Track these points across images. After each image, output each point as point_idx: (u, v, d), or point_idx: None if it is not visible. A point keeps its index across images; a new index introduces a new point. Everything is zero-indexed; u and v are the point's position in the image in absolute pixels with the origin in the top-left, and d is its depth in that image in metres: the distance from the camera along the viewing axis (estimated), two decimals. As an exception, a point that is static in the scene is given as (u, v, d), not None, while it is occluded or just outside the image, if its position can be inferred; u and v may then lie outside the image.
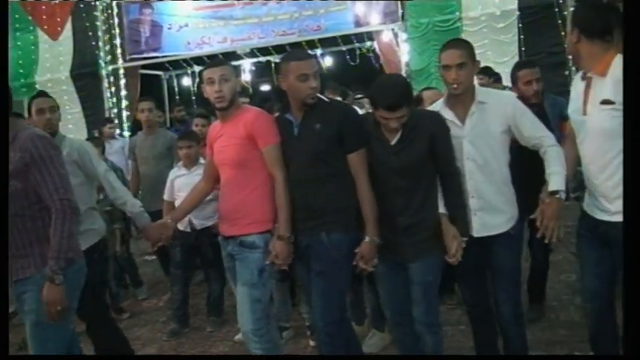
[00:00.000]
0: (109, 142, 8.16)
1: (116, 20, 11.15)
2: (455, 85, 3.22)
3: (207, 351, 4.74)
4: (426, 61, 9.16)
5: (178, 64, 12.64)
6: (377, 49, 10.54)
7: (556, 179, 3.04)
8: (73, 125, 10.67)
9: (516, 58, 8.36)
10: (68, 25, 11.09)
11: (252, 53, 11.75)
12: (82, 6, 10.86)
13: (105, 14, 11.05)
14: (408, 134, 3.23)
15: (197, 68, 11.71)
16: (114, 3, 11.11)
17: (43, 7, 11.05)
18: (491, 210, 3.30)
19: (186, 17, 11.02)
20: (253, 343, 3.46)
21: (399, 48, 9.74)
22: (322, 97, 3.47)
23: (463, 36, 8.90)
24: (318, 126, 3.32)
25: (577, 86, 3.06)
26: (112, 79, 11.14)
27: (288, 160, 3.41)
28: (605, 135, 2.85)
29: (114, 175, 4.14)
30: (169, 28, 11.15)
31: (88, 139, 6.05)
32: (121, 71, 11.09)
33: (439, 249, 3.24)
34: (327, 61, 11.95)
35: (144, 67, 11.69)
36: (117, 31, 11.14)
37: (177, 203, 4.84)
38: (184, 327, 5.22)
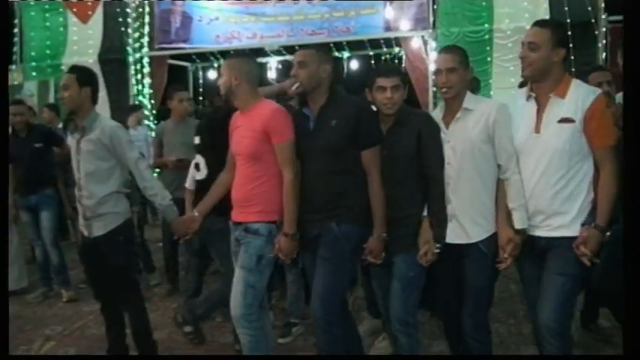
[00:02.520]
0: (135, 128, 8.22)
1: (147, 9, 11.18)
2: (444, 89, 3.32)
3: (215, 340, 4.75)
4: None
5: (205, 57, 12.68)
6: (404, 56, 10.51)
7: (521, 217, 3.19)
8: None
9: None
10: (99, 10, 11.14)
11: (279, 51, 11.76)
12: (115, -7, 10.92)
13: (137, 2, 11.08)
14: (398, 127, 3.37)
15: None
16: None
17: (75, -10, 11.14)
18: (464, 219, 3.35)
19: (217, 11, 11.04)
20: (241, 327, 3.54)
21: (428, 56, 9.69)
22: (340, 93, 3.55)
23: (493, 48, 8.89)
24: (334, 122, 3.38)
25: (520, 106, 3.25)
26: (138, 66, 11.18)
27: (304, 153, 3.47)
28: (561, 151, 3.05)
29: (145, 163, 4.10)
30: (200, 21, 11.18)
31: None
32: (146, 59, 11.11)
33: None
34: (353, 64, 11.95)
35: (171, 57, 11.73)
36: (147, 19, 11.18)
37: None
38: (195, 315, 5.23)
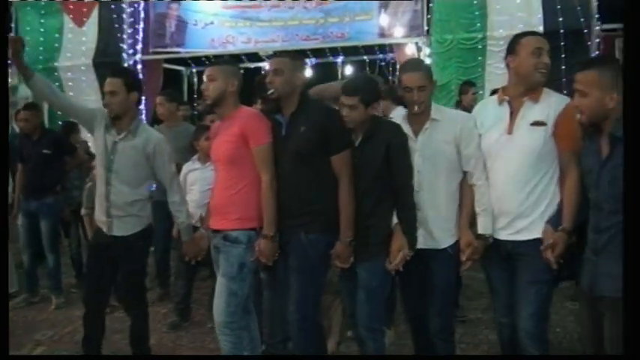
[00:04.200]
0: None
1: (142, 13, 11.17)
2: (416, 107, 3.40)
3: (205, 346, 4.80)
4: (447, 78, 9.10)
5: (200, 61, 12.67)
6: (397, 62, 10.52)
7: (485, 222, 3.34)
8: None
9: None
10: (94, 13, 11.08)
11: (274, 56, 11.72)
12: (110, -5, 10.90)
13: (132, 6, 11.07)
14: (368, 137, 3.44)
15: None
16: (142, -5, 11.15)
17: (71, -6, 11.11)
18: (433, 225, 3.45)
19: (212, 15, 11.02)
20: (222, 335, 3.61)
21: (422, 62, 9.68)
22: (310, 99, 3.64)
23: (487, 55, 8.91)
24: (304, 128, 3.45)
25: (492, 110, 3.40)
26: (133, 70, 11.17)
27: (276, 159, 3.55)
28: (532, 153, 3.18)
29: (179, 180, 4.15)
30: (195, 25, 11.15)
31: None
32: (139, 64, 11.09)
33: (386, 256, 3.41)
34: (347, 70, 11.97)
35: (166, 61, 11.72)
36: (141, 23, 11.16)
37: (189, 197, 4.86)
38: (184, 321, 5.26)
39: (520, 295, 3.25)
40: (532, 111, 3.23)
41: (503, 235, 3.31)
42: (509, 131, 3.27)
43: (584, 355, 2.96)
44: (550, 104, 3.20)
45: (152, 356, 4.32)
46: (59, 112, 6.88)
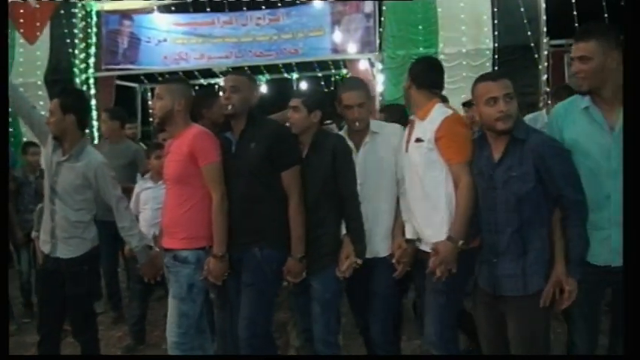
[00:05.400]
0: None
1: (94, 29, 11.06)
2: (357, 123, 3.55)
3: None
4: (400, 92, 9.17)
5: (153, 78, 12.61)
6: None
7: (408, 227, 3.50)
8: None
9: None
10: (46, 30, 10.94)
11: (227, 72, 11.74)
12: (62, 12, 10.76)
13: (84, 23, 10.95)
14: (314, 148, 3.53)
15: (173, 83, 11.63)
16: (93, 12, 11.04)
17: (22, 10, 10.92)
18: (375, 235, 3.57)
19: (165, 32, 11.01)
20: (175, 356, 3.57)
21: (375, 78, 9.81)
22: (259, 115, 3.67)
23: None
24: (253, 145, 3.48)
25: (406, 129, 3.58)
26: (85, 87, 11.03)
27: (227, 177, 3.55)
28: (419, 168, 3.34)
29: (125, 203, 4.02)
30: (148, 42, 11.12)
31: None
32: (91, 81, 10.96)
33: (334, 266, 3.48)
34: (302, 86, 12.02)
35: (119, 77, 11.62)
36: (94, 40, 11.05)
37: (141, 217, 4.82)
38: (140, 343, 5.16)
39: (425, 303, 3.43)
40: (417, 129, 3.41)
41: (421, 245, 3.46)
42: (406, 149, 3.47)
43: (584, 355, 3.02)
44: (432, 120, 3.32)
45: (152, 356, 4.23)
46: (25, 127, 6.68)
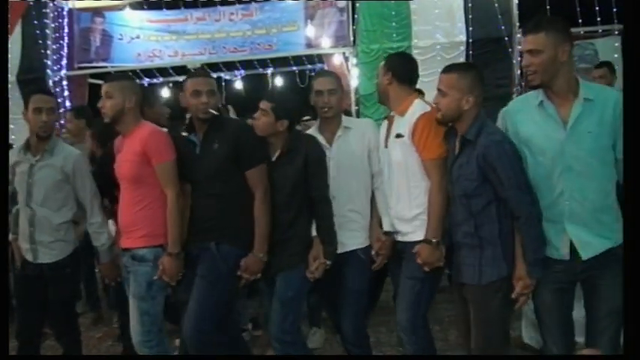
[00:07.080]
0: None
1: (66, 28, 10.94)
2: (326, 109, 3.59)
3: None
4: (375, 87, 9.25)
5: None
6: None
7: (386, 221, 3.55)
8: (16, 130, 10.37)
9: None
10: (18, 29, 10.77)
11: (202, 69, 11.66)
12: (33, 13, 10.61)
13: (56, 21, 10.82)
14: (286, 152, 3.51)
15: (146, 80, 11.58)
16: (65, 11, 10.92)
17: (-8, 9, 10.77)
18: (346, 228, 3.59)
19: (138, 29, 10.93)
20: (143, 354, 3.56)
21: (349, 72, 9.84)
22: (223, 115, 3.71)
23: (412, 64, 9.08)
24: (216, 145, 3.48)
25: (383, 125, 3.64)
26: (58, 86, 10.90)
27: (192, 178, 3.55)
28: (399, 163, 3.38)
29: (99, 200, 3.95)
30: (120, 39, 11.03)
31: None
32: (64, 80, 10.85)
33: (305, 266, 3.48)
34: (278, 81, 12.00)
35: (92, 76, 11.50)
36: (65, 39, 10.93)
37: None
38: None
39: (400, 289, 3.48)
40: (397, 124, 3.45)
41: (398, 237, 3.49)
42: (386, 145, 3.51)
43: (584, 355, 3.04)
44: (412, 114, 3.36)
45: (152, 356, 4.20)
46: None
